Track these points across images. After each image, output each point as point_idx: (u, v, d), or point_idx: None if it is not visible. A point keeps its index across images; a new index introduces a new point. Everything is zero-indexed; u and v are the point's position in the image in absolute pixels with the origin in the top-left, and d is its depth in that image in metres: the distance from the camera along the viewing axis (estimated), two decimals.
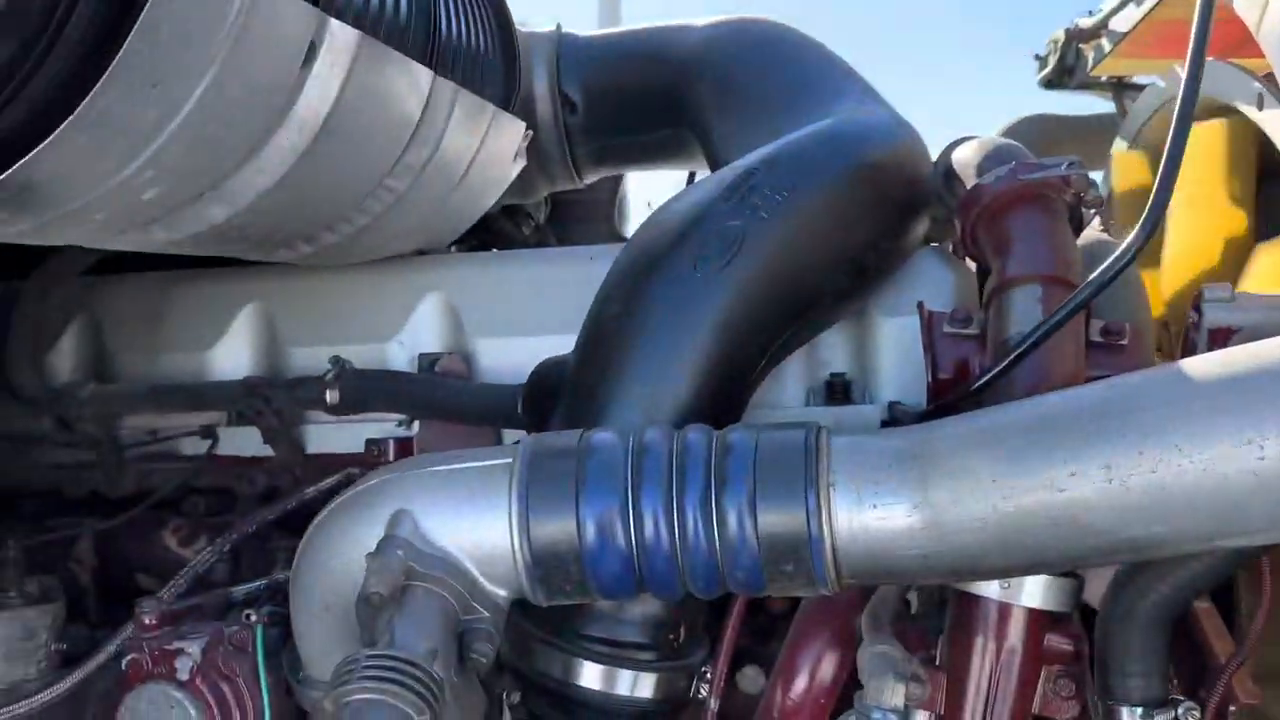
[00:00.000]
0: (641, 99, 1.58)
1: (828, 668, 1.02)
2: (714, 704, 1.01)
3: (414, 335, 1.38)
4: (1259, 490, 0.74)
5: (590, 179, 1.80)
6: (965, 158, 1.25)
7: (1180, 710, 0.88)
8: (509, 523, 0.86)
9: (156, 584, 1.45)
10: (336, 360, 1.32)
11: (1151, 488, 0.75)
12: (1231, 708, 0.92)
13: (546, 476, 0.87)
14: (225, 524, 1.39)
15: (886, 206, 1.14)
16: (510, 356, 1.35)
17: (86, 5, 0.70)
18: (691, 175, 1.92)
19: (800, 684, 1.02)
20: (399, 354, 1.38)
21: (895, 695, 0.83)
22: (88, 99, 0.68)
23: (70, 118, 0.68)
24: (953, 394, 1.03)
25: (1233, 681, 0.92)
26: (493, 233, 1.85)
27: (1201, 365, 0.80)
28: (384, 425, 1.37)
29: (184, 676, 0.93)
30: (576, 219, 2.18)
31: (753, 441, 0.86)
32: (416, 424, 1.35)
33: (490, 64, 1.33)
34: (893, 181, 1.16)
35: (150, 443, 1.41)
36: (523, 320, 1.37)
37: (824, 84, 1.32)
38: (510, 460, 0.89)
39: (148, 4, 0.67)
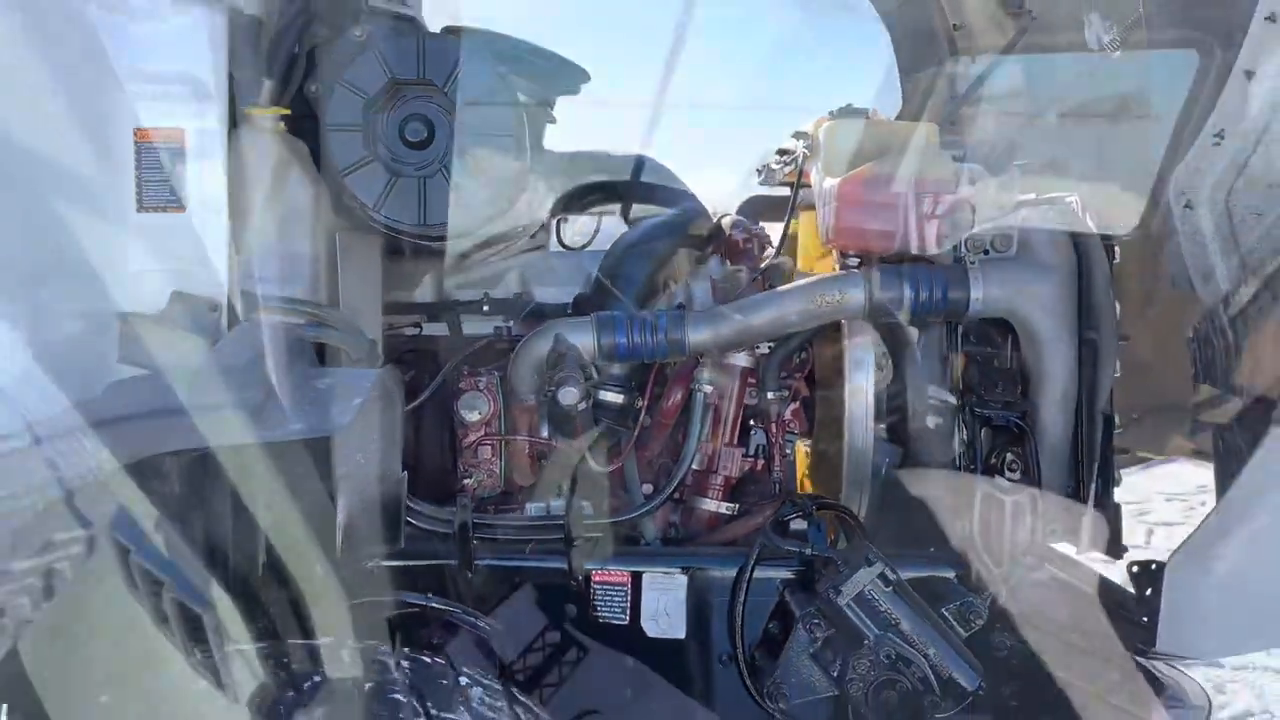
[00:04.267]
0: None
1: (679, 395, 3.10)
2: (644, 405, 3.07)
3: None
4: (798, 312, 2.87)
5: None
6: (724, 222, 3.42)
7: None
8: (593, 336, 2.87)
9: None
10: (485, 295, 3.26)
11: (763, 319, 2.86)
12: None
13: (605, 326, 2.88)
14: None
15: (689, 241, 3.27)
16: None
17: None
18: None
19: (671, 401, 3.09)
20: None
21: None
22: None
23: None
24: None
25: None
26: None
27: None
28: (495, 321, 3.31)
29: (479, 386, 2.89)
30: None
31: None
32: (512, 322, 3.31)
33: None
34: (696, 230, 3.28)
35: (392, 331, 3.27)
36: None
37: (674, 191, 3.44)
38: (591, 320, 2.90)
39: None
